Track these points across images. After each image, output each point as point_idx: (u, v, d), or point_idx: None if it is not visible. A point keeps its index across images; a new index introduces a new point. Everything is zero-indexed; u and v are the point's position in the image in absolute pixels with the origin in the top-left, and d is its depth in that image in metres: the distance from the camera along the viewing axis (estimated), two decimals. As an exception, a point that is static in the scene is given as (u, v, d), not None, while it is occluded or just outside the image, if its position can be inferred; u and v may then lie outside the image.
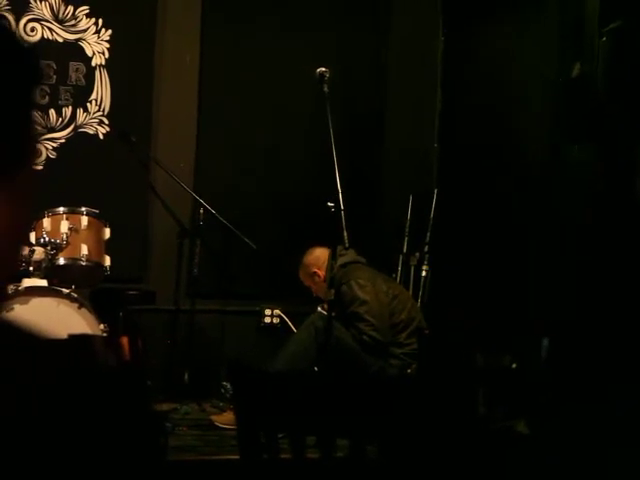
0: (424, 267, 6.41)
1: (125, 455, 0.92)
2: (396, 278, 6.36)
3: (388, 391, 2.62)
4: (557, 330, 5.08)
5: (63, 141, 6.12)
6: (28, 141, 0.98)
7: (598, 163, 5.07)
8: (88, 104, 6.17)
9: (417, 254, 6.47)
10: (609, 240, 4.92)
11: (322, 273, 5.66)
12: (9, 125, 0.95)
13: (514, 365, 4.91)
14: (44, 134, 5.98)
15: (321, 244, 5.62)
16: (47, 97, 6.03)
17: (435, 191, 6.60)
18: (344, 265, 5.56)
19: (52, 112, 6.08)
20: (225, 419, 5.24)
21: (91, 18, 6.17)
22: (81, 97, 6.16)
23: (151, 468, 0.95)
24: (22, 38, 1.00)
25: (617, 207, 4.92)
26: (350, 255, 5.64)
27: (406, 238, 6.52)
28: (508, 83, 6.17)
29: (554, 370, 4.74)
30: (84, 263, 5.16)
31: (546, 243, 5.48)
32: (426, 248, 6.44)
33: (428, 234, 6.45)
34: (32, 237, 5.08)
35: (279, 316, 6.56)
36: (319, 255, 5.75)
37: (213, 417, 5.36)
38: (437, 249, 6.46)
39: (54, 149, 6.08)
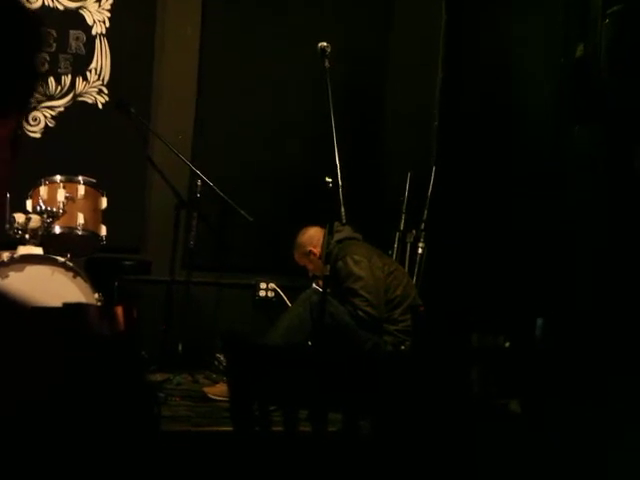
0: (420, 244, 6.42)
1: (119, 424, 0.92)
2: (392, 255, 6.37)
3: (382, 367, 2.62)
4: (552, 309, 5.09)
5: (62, 109, 6.10)
6: (24, 108, 0.98)
7: (601, 142, 5.07)
8: (88, 73, 6.15)
9: (414, 231, 6.48)
10: (610, 218, 4.92)
11: (317, 251, 5.66)
12: (10, 90, 0.95)
13: (507, 344, 4.92)
14: (42, 102, 5.96)
15: (316, 221, 5.63)
16: (47, 65, 6.00)
17: (433, 169, 6.59)
18: (340, 241, 5.56)
19: (51, 80, 6.06)
20: (217, 391, 5.25)
21: (92, -14, 6.15)
22: (81, 66, 6.14)
23: (144, 437, 0.95)
24: (26, 4, 0.99)
25: (620, 186, 4.92)
26: (346, 231, 5.64)
27: (403, 215, 6.52)
28: (511, 63, 6.16)
29: (548, 350, 4.75)
30: (80, 232, 5.15)
31: (545, 222, 5.48)
32: (423, 226, 6.45)
33: (425, 212, 6.46)
34: (29, 205, 5.07)
35: (274, 290, 6.57)
36: (313, 234, 5.75)
37: (205, 389, 5.37)
38: (434, 227, 6.47)
39: (53, 117, 6.07)
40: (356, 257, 5.53)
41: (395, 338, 5.45)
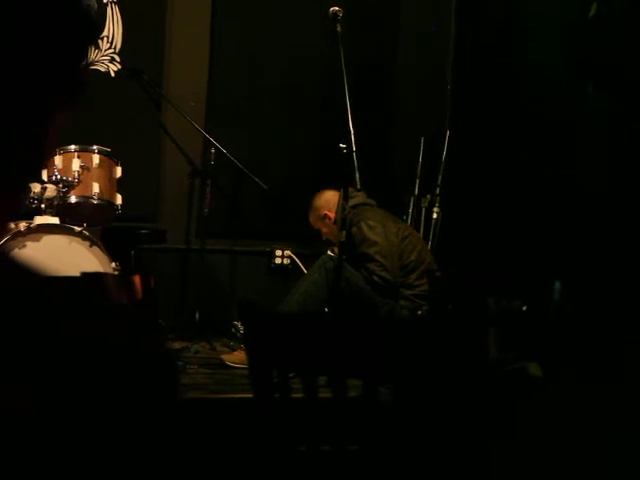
0: (435, 209, 6.41)
1: (139, 392, 0.92)
2: (407, 220, 6.36)
3: (400, 332, 2.62)
4: (569, 272, 5.08)
5: (74, 78, 6.08)
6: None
7: (614, 109, 5.03)
8: (99, 41, 6.12)
9: (428, 196, 6.46)
10: (624, 187, 4.89)
11: (332, 215, 5.65)
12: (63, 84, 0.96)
13: (525, 308, 4.91)
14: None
15: (331, 187, 5.61)
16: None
17: (447, 133, 6.57)
18: (355, 206, 5.55)
19: (63, 49, 6.03)
20: (235, 358, 5.27)
21: (103, -46, 6.11)
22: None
23: (166, 405, 0.95)
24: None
25: (633, 154, 4.89)
26: (361, 197, 5.64)
27: (417, 180, 6.50)
28: (523, 23, 6.10)
29: (566, 313, 4.75)
30: (96, 201, 5.16)
31: (560, 187, 5.46)
32: (437, 190, 6.43)
33: (440, 176, 6.44)
34: (44, 174, 5.07)
35: (289, 257, 6.57)
36: (329, 198, 5.74)
37: (223, 356, 5.39)
38: (448, 191, 6.45)
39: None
40: (370, 222, 5.52)
41: (411, 303, 5.46)
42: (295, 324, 2.66)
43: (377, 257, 5.43)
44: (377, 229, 5.51)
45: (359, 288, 5.34)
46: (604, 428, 3.74)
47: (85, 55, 0.99)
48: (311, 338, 2.53)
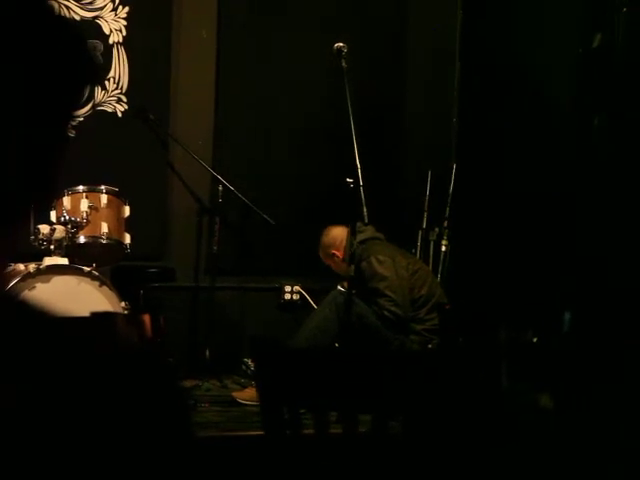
0: (444, 242, 6.41)
1: (153, 432, 0.92)
2: (416, 253, 6.36)
3: (410, 366, 2.61)
4: (579, 304, 5.07)
5: (82, 119, 6.11)
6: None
7: (613, 134, 5.05)
8: (106, 82, 6.16)
9: (436, 229, 6.47)
10: (631, 211, 4.89)
11: (340, 253, 5.65)
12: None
13: (535, 339, 4.90)
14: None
15: (338, 222, 5.61)
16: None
17: (454, 166, 6.58)
18: (363, 242, 5.54)
19: (70, 91, 6.07)
20: (247, 395, 5.25)
21: (108, -5, 6.16)
22: (99, 75, 6.15)
23: (180, 443, 0.95)
24: (79, 34, 0.99)
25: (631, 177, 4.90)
26: (369, 231, 5.64)
27: (425, 213, 6.51)
28: (529, 55, 6.13)
29: (577, 344, 4.73)
30: (104, 241, 5.17)
31: (568, 215, 5.46)
32: (445, 223, 6.43)
33: (447, 209, 6.44)
34: (53, 216, 5.09)
35: (299, 292, 6.56)
36: (335, 235, 5.74)
37: (234, 393, 5.38)
38: (456, 224, 6.45)
39: (73, 127, 6.08)
40: (380, 257, 5.52)
41: (422, 337, 5.44)
42: (305, 359, 2.66)
43: (387, 292, 5.42)
44: (387, 263, 5.51)
45: (370, 323, 5.33)
46: (615, 457, 3.71)
47: (83, 96, 1.00)
48: (321, 373, 2.53)
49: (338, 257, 5.69)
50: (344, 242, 5.44)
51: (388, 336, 5.33)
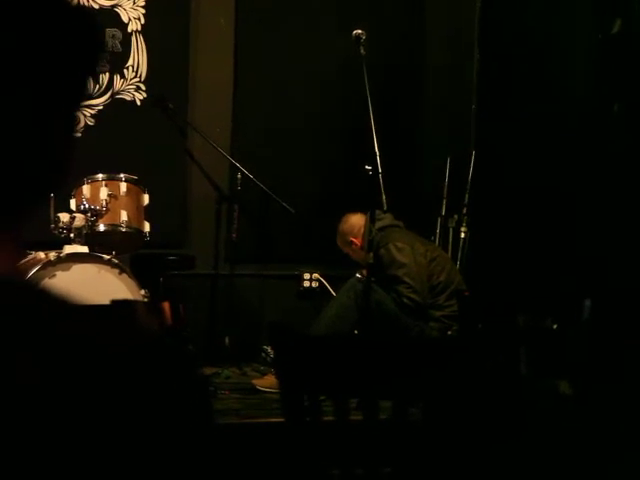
0: (463, 229, 6.39)
1: (174, 420, 0.92)
2: (435, 240, 6.35)
3: (430, 353, 2.61)
4: (600, 290, 5.05)
5: (101, 108, 6.13)
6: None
7: (631, 123, 5.02)
8: (125, 70, 6.17)
9: (455, 216, 6.45)
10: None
11: (358, 241, 5.64)
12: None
13: (555, 326, 4.89)
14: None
15: (357, 210, 5.61)
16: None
17: (473, 153, 6.56)
18: (382, 229, 5.54)
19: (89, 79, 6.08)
20: (266, 382, 5.27)
21: (126, -16, 6.17)
22: (118, 63, 6.16)
23: (201, 432, 0.96)
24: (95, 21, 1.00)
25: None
26: (388, 219, 5.63)
27: (444, 200, 6.49)
28: (547, 41, 6.10)
29: (596, 331, 4.72)
30: (124, 229, 5.18)
31: (588, 202, 5.44)
32: (464, 210, 6.42)
33: (466, 196, 6.43)
34: (72, 204, 5.11)
35: (318, 280, 6.57)
36: (354, 223, 5.73)
37: (254, 381, 5.39)
38: (475, 211, 6.43)
39: (92, 116, 6.10)
40: (398, 244, 5.51)
41: (441, 324, 5.44)
42: (325, 347, 2.66)
43: (406, 279, 5.41)
44: (405, 251, 5.50)
45: (388, 310, 5.32)
46: (635, 446, 3.70)
47: (93, 81, 1.01)
48: (341, 361, 2.53)
49: (356, 245, 5.68)
50: (362, 230, 5.45)
51: (407, 323, 5.33)
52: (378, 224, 5.35)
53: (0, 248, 0.94)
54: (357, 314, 5.31)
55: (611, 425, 3.85)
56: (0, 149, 0.91)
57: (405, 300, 5.37)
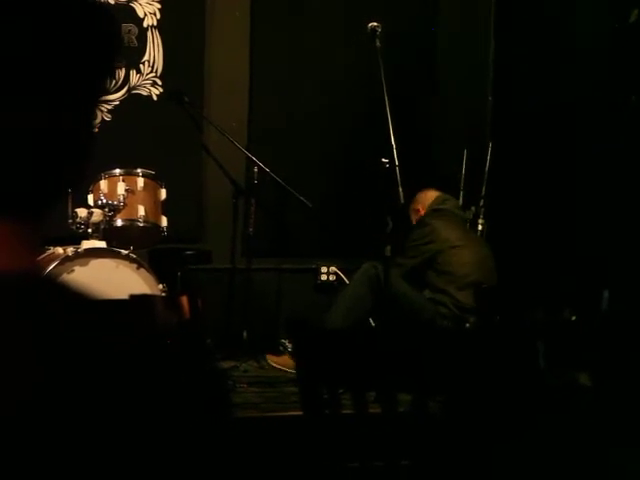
0: (480, 221, 6.38)
1: (193, 414, 0.93)
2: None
3: (448, 345, 2.61)
4: (618, 281, 5.03)
5: (117, 103, 6.14)
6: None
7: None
8: (141, 65, 6.18)
9: (473, 208, 6.43)
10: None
11: (422, 213, 5.91)
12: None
13: (574, 317, 4.87)
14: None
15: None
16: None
17: (490, 145, 6.54)
18: (437, 210, 5.84)
19: (106, 75, 6.09)
20: (281, 361, 5.30)
21: (141, -21, 6.18)
22: (134, 59, 6.17)
23: (221, 425, 0.96)
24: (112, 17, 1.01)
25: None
26: (449, 204, 5.94)
27: (461, 192, 6.48)
28: (564, 32, 6.08)
29: (615, 322, 4.70)
30: (141, 224, 5.19)
31: (606, 194, 5.41)
32: (482, 202, 6.40)
33: (483, 188, 6.41)
34: (90, 199, 5.12)
35: (335, 273, 6.56)
36: (427, 195, 5.98)
37: (269, 356, 5.43)
38: (493, 203, 6.42)
39: (108, 111, 6.11)
40: (427, 229, 5.66)
41: (449, 311, 5.47)
42: (343, 340, 2.66)
43: (409, 252, 5.68)
44: (426, 233, 5.66)
45: (401, 291, 5.36)
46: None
47: (112, 76, 1.01)
48: (360, 354, 2.53)
49: (417, 215, 5.93)
50: (427, 202, 5.81)
51: (420, 305, 5.40)
52: (437, 205, 5.81)
53: (20, 244, 0.94)
54: (371, 303, 5.36)
55: (629, 417, 3.84)
56: (20, 145, 0.92)
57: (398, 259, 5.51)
